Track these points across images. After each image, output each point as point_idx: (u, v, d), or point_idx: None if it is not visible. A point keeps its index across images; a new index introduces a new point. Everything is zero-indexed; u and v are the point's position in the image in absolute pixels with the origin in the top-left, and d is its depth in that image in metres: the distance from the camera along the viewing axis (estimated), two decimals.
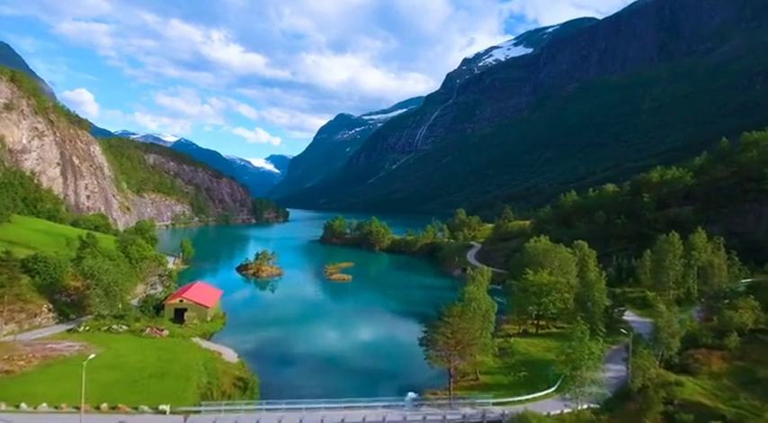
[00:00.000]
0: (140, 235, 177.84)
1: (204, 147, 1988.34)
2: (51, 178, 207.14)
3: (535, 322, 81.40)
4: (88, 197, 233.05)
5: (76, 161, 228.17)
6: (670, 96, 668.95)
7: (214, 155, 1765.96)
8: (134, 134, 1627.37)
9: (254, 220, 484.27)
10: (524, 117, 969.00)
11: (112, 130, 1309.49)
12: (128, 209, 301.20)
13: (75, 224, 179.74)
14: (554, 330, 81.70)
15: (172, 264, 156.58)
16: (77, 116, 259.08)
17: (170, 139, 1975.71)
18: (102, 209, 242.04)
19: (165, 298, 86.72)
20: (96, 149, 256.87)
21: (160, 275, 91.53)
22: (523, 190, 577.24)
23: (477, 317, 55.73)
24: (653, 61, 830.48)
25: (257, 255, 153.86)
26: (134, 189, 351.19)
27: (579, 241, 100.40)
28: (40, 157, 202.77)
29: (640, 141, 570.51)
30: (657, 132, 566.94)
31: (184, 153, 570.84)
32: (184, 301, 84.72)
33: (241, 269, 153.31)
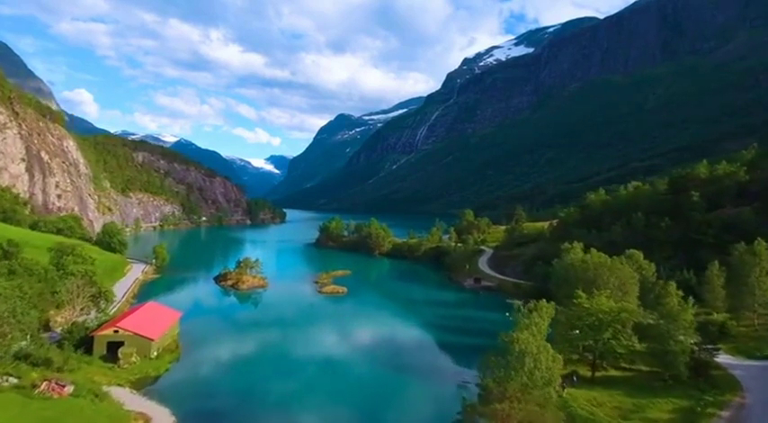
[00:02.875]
0: (108, 239, 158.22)
1: (204, 147, 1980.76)
2: (14, 175, 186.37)
3: (591, 361, 60.31)
4: (59, 196, 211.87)
5: (45, 157, 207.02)
6: (674, 96, 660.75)
7: (214, 155, 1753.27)
8: (134, 134, 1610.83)
9: (248, 222, 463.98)
10: (525, 117, 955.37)
11: (112, 131, 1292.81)
12: (109, 209, 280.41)
13: (34, 227, 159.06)
14: (613, 373, 60.70)
15: (140, 273, 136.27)
16: (49, 108, 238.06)
17: (170, 139, 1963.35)
18: (77, 209, 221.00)
19: (97, 327, 65.80)
20: (70, 145, 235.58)
21: (94, 296, 70.62)
22: (526, 190, 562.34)
23: (548, 401, 34.84)
24: (656, 60, 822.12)
25: (238, 262, 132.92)
26: (119, 188, 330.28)
27: (632, 251, 78.95)
28: (1, 152, 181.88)
29: (644, 141, 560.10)
30: (662, 132, 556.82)
31: (176, 151, 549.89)
32: (120, 331, 63.79)
33: (219, 279, 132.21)
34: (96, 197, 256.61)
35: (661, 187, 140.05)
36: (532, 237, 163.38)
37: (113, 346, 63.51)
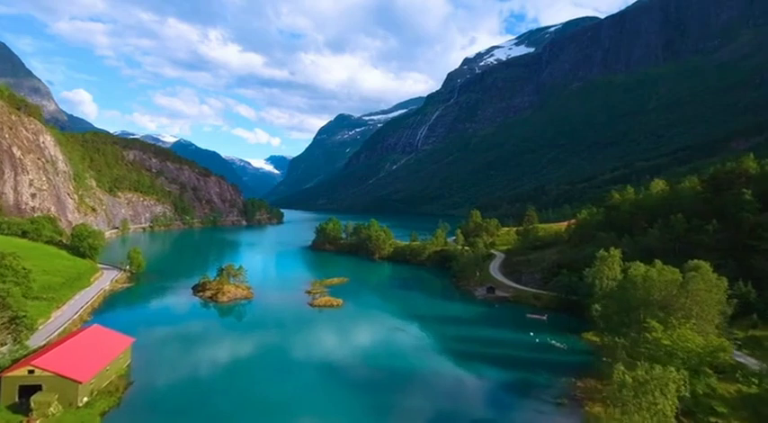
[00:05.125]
0: (77, 243, 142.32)
1: (203, 147, 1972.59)
2: None
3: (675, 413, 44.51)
4: (33, 196, 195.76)
5: (18, 152, 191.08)
6: (677, 95, 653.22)
7: (213, 155, 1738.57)
8: (133, 134, 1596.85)
9: (244, 223, 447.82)
10: (527, 116, 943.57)
11: (111, 131, 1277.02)
12: (93, 210, 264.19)
13: None
14: None
15: (108, 282, 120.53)
16: (24, 100, 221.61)
17: (169, 139, 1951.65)
18: (54, 210, 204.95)
19: (10, 365, 50.00)
20: (48, 140, 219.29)
21: (11, 321, 54.43)
22: (529, 190, 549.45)
23: None
24: (658, 60, 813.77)
25: (219, 270, 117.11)
26: (106, 188, 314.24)
27: (698, 262, 62.41)
28: None
29: (648, 141, 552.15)
30: (666, 131, 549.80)
31: (170, 150, 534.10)
32: (36, 371, 48.00)
33: (198, 289, 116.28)
34: (77, 197, 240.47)
35: (691, 185, 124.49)
36: (549, 240, 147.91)
37: (29, 391, 47.78)
